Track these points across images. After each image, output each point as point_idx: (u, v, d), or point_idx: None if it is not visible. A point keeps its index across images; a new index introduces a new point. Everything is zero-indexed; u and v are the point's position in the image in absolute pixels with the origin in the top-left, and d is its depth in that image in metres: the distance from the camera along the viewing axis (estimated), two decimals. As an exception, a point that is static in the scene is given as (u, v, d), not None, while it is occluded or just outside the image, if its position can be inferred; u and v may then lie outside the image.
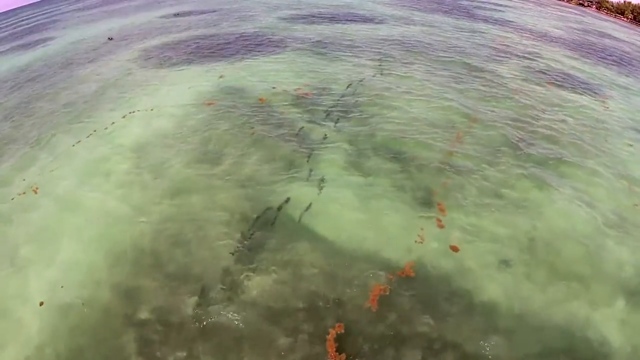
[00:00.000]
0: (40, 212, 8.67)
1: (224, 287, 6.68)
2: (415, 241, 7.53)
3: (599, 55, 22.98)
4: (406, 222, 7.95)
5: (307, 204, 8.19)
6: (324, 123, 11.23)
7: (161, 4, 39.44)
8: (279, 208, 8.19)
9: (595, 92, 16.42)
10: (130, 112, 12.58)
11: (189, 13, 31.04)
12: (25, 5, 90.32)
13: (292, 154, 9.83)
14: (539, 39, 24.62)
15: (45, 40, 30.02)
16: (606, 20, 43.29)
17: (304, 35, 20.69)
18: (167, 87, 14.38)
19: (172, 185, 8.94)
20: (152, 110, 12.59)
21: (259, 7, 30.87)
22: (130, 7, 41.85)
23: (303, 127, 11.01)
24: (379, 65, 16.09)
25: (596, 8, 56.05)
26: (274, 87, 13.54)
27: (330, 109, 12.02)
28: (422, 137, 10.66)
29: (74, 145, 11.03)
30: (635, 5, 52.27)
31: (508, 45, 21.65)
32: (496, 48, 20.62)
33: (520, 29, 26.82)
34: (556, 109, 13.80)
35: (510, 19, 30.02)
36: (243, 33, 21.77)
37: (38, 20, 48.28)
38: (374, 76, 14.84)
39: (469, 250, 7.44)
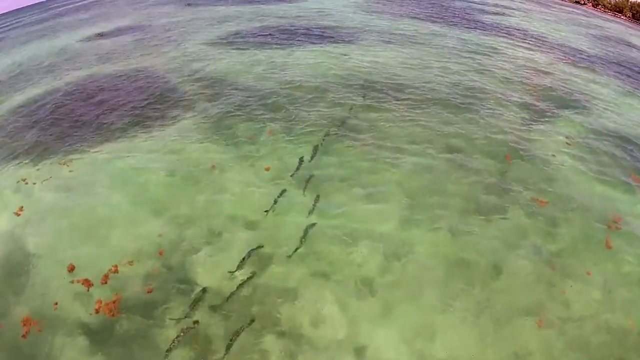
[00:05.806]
0: None
1: None
2: None
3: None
4: None
5: None
6: None
7: (100, 19, 30.39)
8: None
9: None
10: None
11: (114, 33, 22.41)
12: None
13: None
14: (565, 58, 16.34)
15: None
16: (612, 21, 36.05)
17: (224, 78, 12.20)
18: None
19: None
20: None
21: (200, 21, 22.08)
22: (74, 21, 32.69)
23: None
24: (321, 145, 7.62)
25: (592, 5, 47.97)
26: (71, 278, 5.12)
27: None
28: None
29: None
30: (633, 2, 44.55)
31: (539, 75, 13.24)
32: (524, 84, 12.14)
33: (538, 41, 18.55)
34: None
35: (520, 27, 21.61)
36: (142, 75, 13.29)
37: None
38: (299, 194, 6.43)
39: None
